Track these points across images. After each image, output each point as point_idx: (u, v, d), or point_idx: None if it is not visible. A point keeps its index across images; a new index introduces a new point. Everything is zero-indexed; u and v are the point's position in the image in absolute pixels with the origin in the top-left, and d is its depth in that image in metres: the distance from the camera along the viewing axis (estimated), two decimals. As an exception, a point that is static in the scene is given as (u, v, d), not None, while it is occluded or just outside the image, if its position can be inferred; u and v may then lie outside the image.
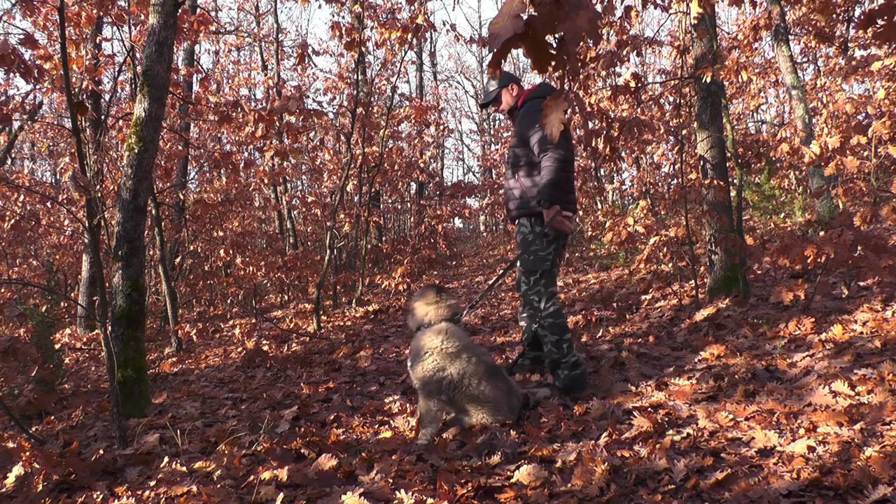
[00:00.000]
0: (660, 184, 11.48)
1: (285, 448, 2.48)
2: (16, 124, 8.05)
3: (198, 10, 7.58)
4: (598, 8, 4.19)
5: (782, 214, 8.63)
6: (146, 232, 4.87)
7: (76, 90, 6.05)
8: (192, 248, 9.21)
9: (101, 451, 2.62)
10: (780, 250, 3.47)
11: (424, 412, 2.63)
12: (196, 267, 10.05)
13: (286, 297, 10.10)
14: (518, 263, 3.24)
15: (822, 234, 3.49)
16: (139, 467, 2.46)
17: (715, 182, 4.44)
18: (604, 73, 5.31)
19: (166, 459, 2.46)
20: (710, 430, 2.25)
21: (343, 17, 8.20)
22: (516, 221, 3.27)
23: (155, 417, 3.34)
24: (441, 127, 15.78)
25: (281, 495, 1.99)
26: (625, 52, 4.86)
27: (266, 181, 9.83)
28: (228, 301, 10.12)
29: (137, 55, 6.03)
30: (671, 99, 8.36)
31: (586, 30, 1.21)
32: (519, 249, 3.25)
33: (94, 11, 5.54)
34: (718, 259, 4.64)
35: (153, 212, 6.09)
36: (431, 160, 16.48)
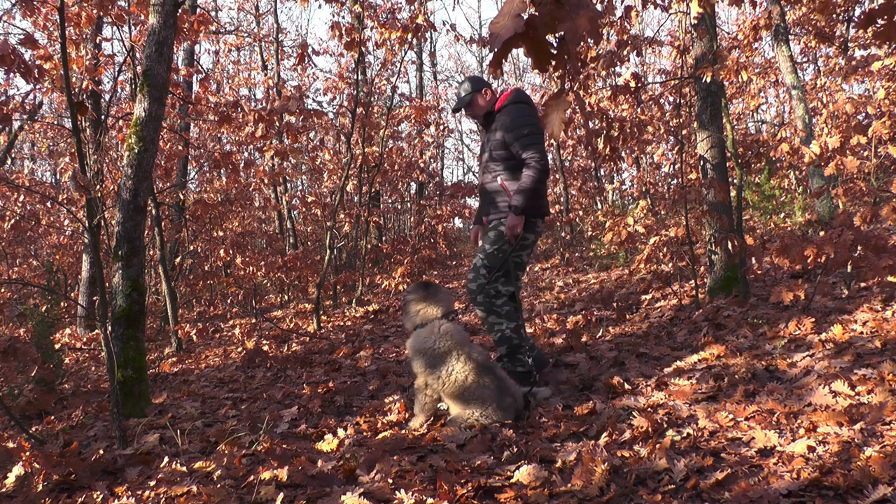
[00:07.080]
0: (660, 184, 11.48)
1: (285, 448, 2.47)
2: (16, 124, 8.05)
3: (198, 10, 7.58)
4: (599, 8, 4.19)
5: (782, 214, 8.63)
6: (146, 232, 4.87)
7: (76, 90, 6.04)
8: (192, 248, 9.21)
9: (101, 451, 2.61)
10: (780, 250, 3.47)
11: (416, 402, 2.85)
12: (196, 267, 10.05)
13: (286, 297, 10.10)
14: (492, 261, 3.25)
15: (822, 234, 3.49)
16: (139, 467, 2.46)
17: (715, 182, 4.44)
18: (604, 73, 5.31)
19: (166, 459, 2.46)
20: (710, 430, 2.25)
21: (343, 17, 8.19)
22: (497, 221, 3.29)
23: (155, 417, 3.34)
24: (441, 127, 15.76)
25: (281, 495, 1.99)
26: (625, 52, 4.86)
27: (266, 181, 9.82)
28: (228, 301, 10.12)
29: (137, 55, 6.03)
30: (671, 99, 8.36)
31: (587, 29, 1.21)
32: (493, 246, 3.24)
33: (94, 11, 5.54)
34: (718, 259, 4.64)
35: (153, 212, 6.09)
36: (431, 160, 16.45)
